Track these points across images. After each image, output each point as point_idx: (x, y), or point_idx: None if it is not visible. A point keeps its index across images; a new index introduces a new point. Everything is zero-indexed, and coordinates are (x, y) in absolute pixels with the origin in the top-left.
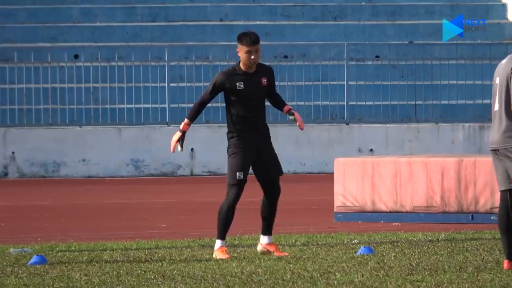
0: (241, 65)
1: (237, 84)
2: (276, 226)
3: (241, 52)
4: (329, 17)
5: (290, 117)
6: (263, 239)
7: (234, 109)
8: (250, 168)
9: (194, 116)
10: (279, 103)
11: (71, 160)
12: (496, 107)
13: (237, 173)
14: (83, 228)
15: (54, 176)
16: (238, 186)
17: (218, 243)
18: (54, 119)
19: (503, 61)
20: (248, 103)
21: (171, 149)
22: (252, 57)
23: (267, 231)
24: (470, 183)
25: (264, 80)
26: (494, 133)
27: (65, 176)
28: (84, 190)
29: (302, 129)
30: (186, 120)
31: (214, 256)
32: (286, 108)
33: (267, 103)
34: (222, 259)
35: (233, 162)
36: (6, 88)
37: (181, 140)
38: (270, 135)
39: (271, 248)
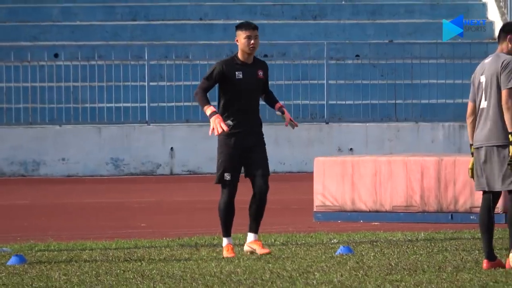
0: (239, 55)
1: (236, 73)
2: None
3: (240, 38)
4: (308, 16)
5: (278, 112)
6: (249, 237)
7: (230, 101)
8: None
9: (207, 100)
10: (271, 100)
11: (51, 159)
12: (483, 104)
13: (225, 174)
14: (63, 227)
15: (33, 175)
16: (228, 186)
17: (224, 241)
18: (34, 118)
19: (487, 60)
20: (244, 94)
21: (220, 130)
22: (252, 41)
23: (251, 228)
24: (450, 183)
25: (260, 73)
26: (480, 131)
27: (45, 175)
28: (64, 189)
29: (293, 127)
30: (207, 105)
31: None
32: (277, 105)
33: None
34: (228, 257)
35: (221, 162)
36: None
37: (224, 120)
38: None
39: (255, 245)
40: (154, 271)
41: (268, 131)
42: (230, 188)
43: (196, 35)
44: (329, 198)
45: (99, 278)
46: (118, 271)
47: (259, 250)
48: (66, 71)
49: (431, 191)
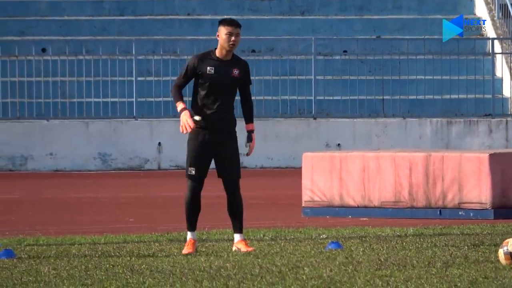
0: (217, 51)
1: (208, 68)
2: (244, 220)
3: (221, 34)
4: (296, 12)
5: (246, 144)
6: (235, 237)
7: (201, 95)
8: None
9: (181, 97)
10: (247, 113)
11: (38, 154)
12: None
13: (189, 169)
14: (51, 222)
15: (21, 170)
16: (193, 181)
17: (187, 235)
18: (22, 113)
19: None
20: (215, 90)
21: (188, 128)
22: (232, 38)
23: (235, 229)
24: (438, 178)
25: (235, 71)
26: None
27: (32, 170)
28: (52, 184)
29: (246, 155)
30: (179, 102)
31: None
32: (248, 127)
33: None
34: (186, 253)
35: (188, 156)
36: None
37: (193, 115)
38: (236, 130)
39: (239, 245)
40: (144, 265)
41: (256, 126)
42: (194, 183)
43: (184, 30)
44: (317, 193)
45: (88, 272)
46: (108, 265)
47: (244, 249)
48: (54, 66)
49: (419, 186)
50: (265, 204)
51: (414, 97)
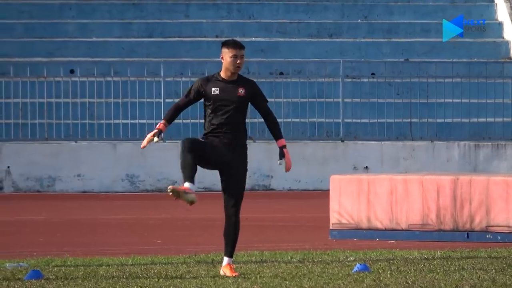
0: (222, 73)
1: (213, 89)
2: (272, 242)
3: (226, 56)
4: (324, 34)
5: (279, 161)
6: (224, 260)
7: (209, 117)
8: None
9: (169, 118)
10: (273, 130)
11: (66, 175)
12: None
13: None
14: (79, 243)
15: (49, 191)
16: (191, 143)
17: (185, 184)
18: (50, 134)
19: None
20: (221, 110)
21: (144, 144)
22: (238, 61)
23: (225, 251)
24: (466, 202)
25: (241, 90)
26: None
27: (60, 191)
28: (79, 205)
29: (285, 171)
30: (162, 121)
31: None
32: (279, 143)
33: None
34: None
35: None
36: (2, 102)
37: (156, 135)
38: (247, 153)
39: (225, 269)
40: (171, 287)
41: None
42: (192, 144)
43: (212, 52)
44: (345, 216)
45: None
46: (135, 287)
47: (229, 273)
48: (82, 87)
49: (447, 209)
50: (292, 226)
51: (442, 120)
